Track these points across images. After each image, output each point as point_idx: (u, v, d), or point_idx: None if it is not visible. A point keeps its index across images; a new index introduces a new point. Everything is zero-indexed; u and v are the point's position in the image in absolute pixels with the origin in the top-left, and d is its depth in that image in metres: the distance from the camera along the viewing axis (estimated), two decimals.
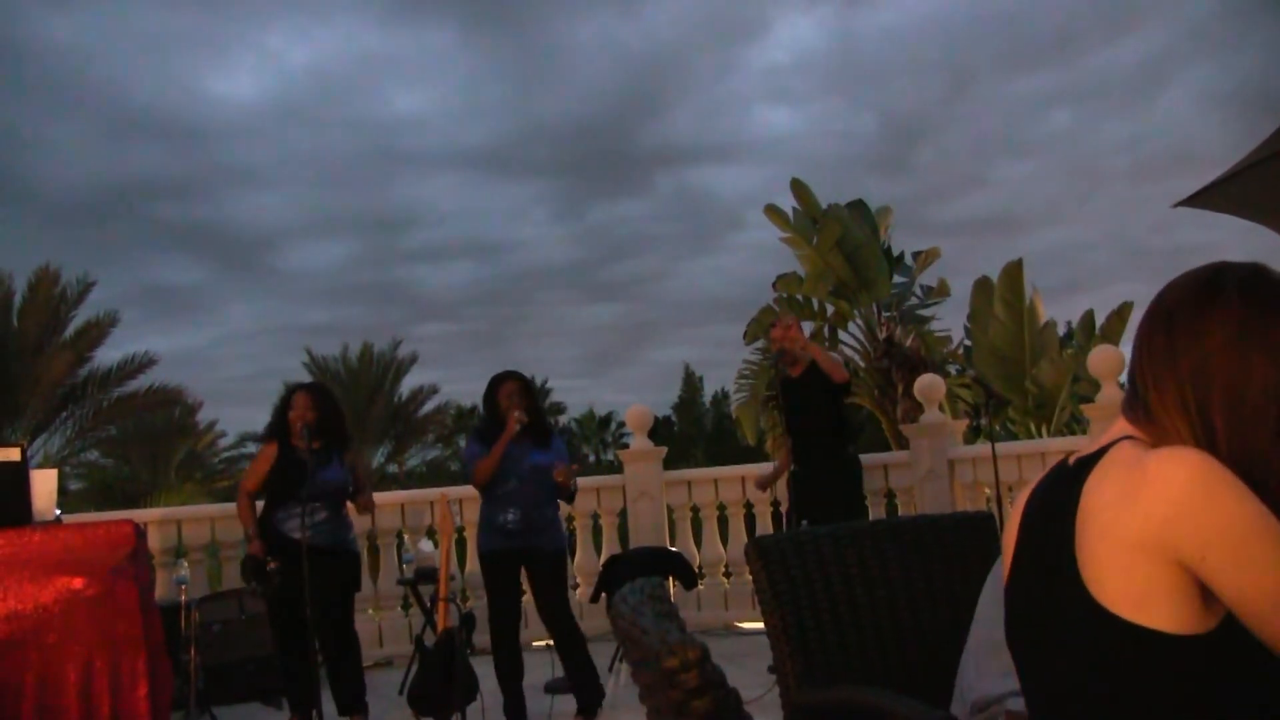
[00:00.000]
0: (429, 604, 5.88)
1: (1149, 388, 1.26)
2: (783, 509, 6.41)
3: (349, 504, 4.97)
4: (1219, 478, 1.13)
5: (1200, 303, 1.24)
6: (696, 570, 6.72)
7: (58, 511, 4.51)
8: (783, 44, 59.47)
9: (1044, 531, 1.30)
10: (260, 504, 4.86)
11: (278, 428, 4.89)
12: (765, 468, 6.82)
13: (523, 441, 4.77)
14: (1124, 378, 1.40)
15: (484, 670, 4.62)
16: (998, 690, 1.96)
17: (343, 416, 5.07)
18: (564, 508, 5.14)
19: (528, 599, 5.18)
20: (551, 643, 4.86)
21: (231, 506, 5.87)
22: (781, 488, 6.37)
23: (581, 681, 4.81)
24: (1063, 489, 1.27)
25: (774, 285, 16.61)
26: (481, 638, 5.04)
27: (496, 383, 4.92)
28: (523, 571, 4.91)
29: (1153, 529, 1.13)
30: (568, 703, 4.88)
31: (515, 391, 4.85)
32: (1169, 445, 1.20)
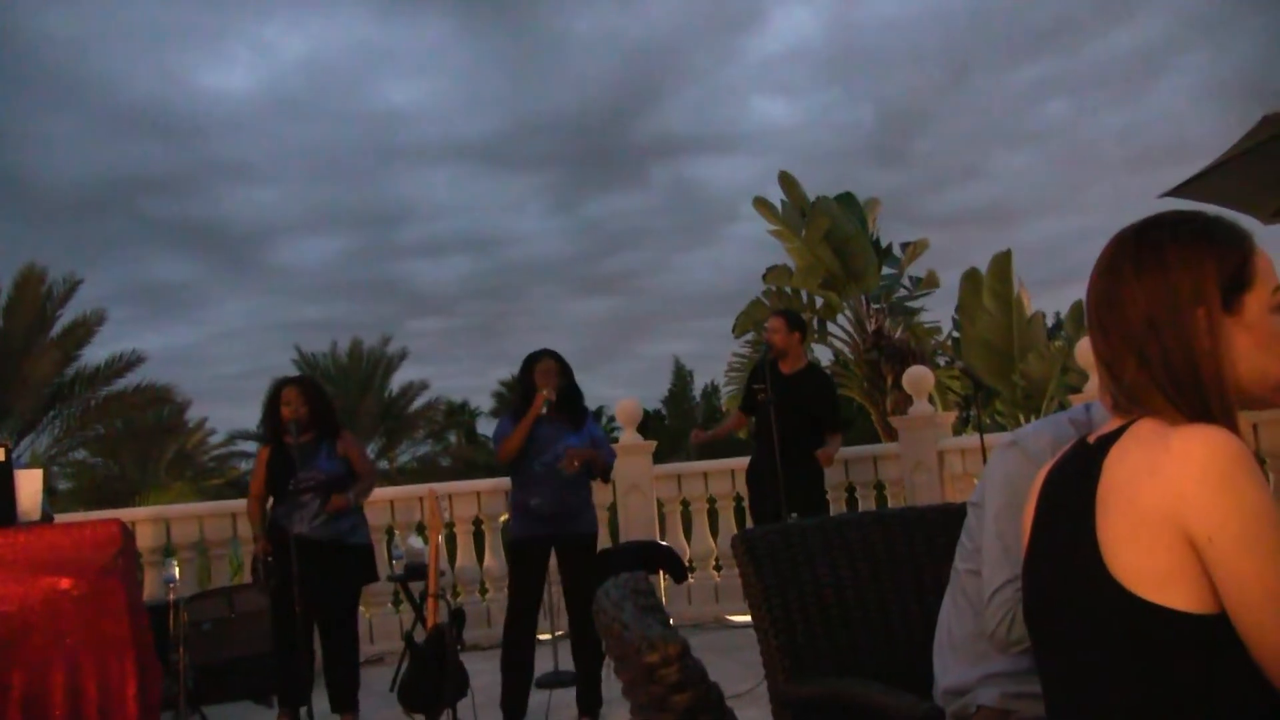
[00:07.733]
0: (419, 600, 5.87)
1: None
2: (745, 504, 6.49)
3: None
4: (1239, 462, 1.12)
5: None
6: (687, 564, 6.74)
7: (49, 511, 4.49)
8: (780, 34, 59.32)
9: (1062, 508, 1.29)
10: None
11: (273, 426, 4.88)
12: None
13: (556, 422, 4.67)
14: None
15: (475, 666, 4.60)
16: (967, 680, 1.96)
17: (333, 407, 5.06)
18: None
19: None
20: (552, 635, 4.81)
21: (220, 504, 6.32)
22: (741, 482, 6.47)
23: (587, 682, 4.72)
24: (1081, 465, 1.27)
25: (764, 277, 16.63)
26: (473, 633, 5.02)
27: (532, 360, 4.77)
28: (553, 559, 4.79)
29: (1168, 504, 1.12)
30: (560, 697, 4.86)
31: (550, 370, 4.71)
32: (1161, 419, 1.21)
